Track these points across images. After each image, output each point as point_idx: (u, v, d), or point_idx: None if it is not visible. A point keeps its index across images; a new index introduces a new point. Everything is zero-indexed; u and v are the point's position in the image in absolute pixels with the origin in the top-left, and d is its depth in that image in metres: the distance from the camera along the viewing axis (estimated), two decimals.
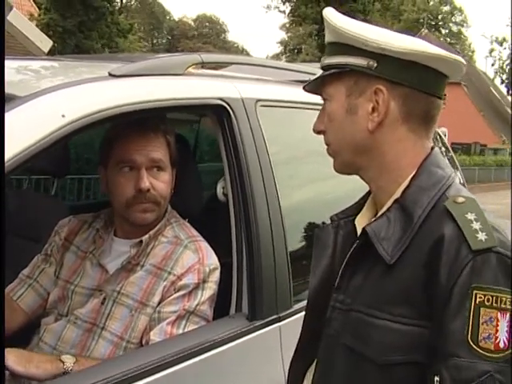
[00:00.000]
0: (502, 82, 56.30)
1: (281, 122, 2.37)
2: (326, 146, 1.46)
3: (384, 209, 1.39)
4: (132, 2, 55.27)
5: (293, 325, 2.08)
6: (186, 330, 1.89)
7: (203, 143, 3.77)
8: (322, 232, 1.53)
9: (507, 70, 55.15)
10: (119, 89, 1.71)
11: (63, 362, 1.75)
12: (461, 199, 1.30)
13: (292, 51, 67.76)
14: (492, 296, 1.21)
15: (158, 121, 2.02)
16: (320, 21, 31.36)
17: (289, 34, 70.16)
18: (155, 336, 1.86)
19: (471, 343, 1.20)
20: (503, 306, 1.21)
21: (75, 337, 1.95)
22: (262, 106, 2.16)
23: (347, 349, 1.36)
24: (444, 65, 1.37)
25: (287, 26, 64.39)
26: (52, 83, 1.65)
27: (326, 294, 1.44)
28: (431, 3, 65.92)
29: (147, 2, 63.18)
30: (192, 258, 1.98)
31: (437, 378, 1.22)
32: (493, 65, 59.24)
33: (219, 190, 2.12)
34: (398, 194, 1.36)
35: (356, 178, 2.72)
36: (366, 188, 2.84)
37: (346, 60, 1.37)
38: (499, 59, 59.10)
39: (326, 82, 1.43)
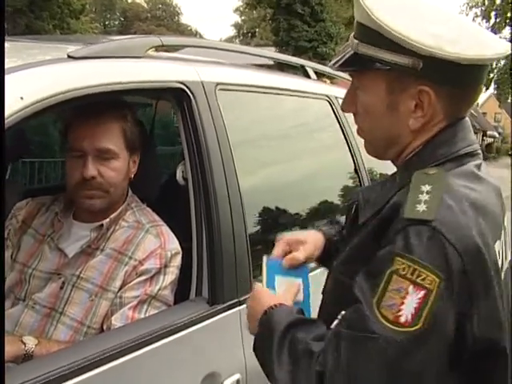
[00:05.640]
0: None
1: (240, 106, 2.37)
2: (356, 127, 1.45)
3: None
4: None
5: None
6: (147, 315, 1.89)
7: (157, 127, 3.74)
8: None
9: None
10: (79, 71, 1.68)
11: (24, 344, 1.73)
12: (432, 171, 1.28)
13: (246, 35, 67.65)
14: (410, 267, 1.16)
15: (113, 107, 1.99)
16: (275, 5, 31.26)
17: (243, 18, 70.00)
18: (117, 321, 1.85)
19: (374, 306, 1.18)
20: (419, 281, 1.15)
21: (33, 322, 1.92)
22: (221, 89, 2.15)
23: (329, 315, 1.38)
24: (494, 60, 1.33)
25: (241, 9, 64.18)
26: (7, 65, 1.61)
27: None
28: None
29: None
30: (154, 242, 1.98)
31: (339, 317, 1.26)
32: None
33: (179, 174, 2.11)
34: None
35: (315, 161, 2.75)
36: (323, 172, 2.86)
37: (389, 57, 1.29)
38: None
39: (363, 72, 1.36)
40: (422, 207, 1.19)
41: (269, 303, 1.41)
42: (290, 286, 1.52)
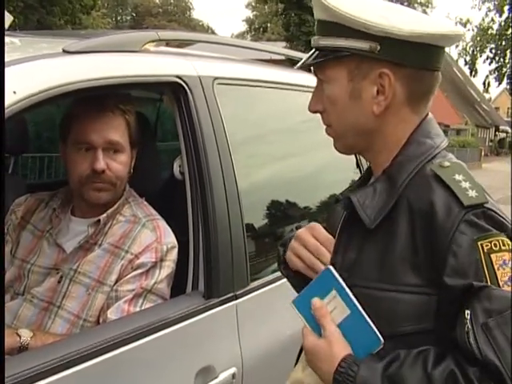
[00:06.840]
0: (466, 63, 56.74)
1: (239, 101, 2.36)
2: (324, 126, 1.44)
3: (372, 180, 1.43)
4: None
5: (250, 303, 2.10)
6: (142, 309, 1.89)
7: (165, 121, 3.73)
8: (332, 213, 1.53)
9: (470, 52, 55.55)
10: (72, 65, 1.68)
11: (20, 336, 1.74)
12: (447, 163, 1.32)
13: (257, 30, 67.43)
14: (498, 241, 1.22)
15: (117, 100, 2.00)
16: None
17: (254, 13, 69.81)
18: (112, 314, 1.86)
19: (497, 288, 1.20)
20: None
21: (31, 315, 1.94)
22: (219, 84, 2.15)
23: None
24: (448, 40, 1.37)
25: (253, 4, 64.06)
26: (6, 59, 1.62)
27: None
28: None
29: None
30: (150, 236, 1.98)
31: (468, 311, 1.20)
32: (456, 46, 59.26)
33: (176, 168, 2.11)
34: (387, 164, 1.39)
35: (316, 157, 2.73)
36: (327, 167, 2.85)
37: (347, 43, 1.33)
38: (462, 41, 59.39)
39: (324, 65, 1.38)
40: (472, 193, 1.26)
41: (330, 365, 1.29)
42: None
